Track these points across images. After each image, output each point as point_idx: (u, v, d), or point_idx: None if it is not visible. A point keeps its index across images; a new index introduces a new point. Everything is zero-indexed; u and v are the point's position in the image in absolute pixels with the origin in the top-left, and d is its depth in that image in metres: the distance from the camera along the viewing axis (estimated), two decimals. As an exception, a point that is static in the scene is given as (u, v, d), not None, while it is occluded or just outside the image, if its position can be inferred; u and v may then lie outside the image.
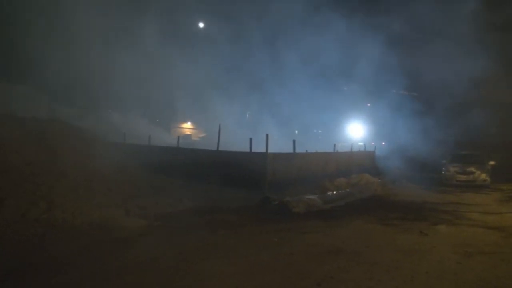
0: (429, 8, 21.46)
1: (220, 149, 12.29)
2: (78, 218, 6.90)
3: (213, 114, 22.40)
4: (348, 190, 12.04)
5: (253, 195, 9.93)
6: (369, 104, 31.94)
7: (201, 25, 27.09)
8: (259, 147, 11.52)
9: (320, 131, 34.40)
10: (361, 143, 23.21)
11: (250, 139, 11.15)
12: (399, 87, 26.66)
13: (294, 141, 12.80)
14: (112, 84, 18.24)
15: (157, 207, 8.51)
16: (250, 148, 11.25)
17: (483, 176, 14.59)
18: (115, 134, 15.52)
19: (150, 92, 22.87)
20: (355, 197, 11.30)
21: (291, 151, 12.81)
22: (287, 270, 4.92)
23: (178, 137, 15.49)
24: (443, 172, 15.92)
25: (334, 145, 17.35)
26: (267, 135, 10.88)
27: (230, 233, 6.92)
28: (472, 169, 14.90)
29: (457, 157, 16.49)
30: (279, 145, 15.05)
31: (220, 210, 8.85)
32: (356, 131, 30.29)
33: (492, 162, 15.18)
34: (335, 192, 11.60)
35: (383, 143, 26.03)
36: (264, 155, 10.80)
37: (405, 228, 7.50)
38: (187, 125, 36.50)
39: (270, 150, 11.16)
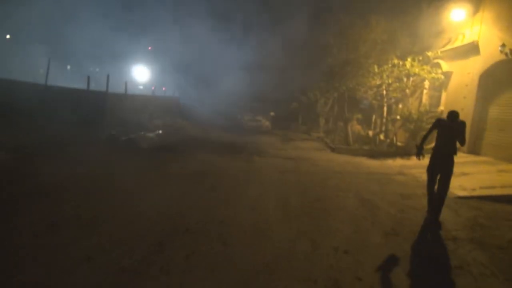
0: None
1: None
2: None
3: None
4: (162, 130, 13.44)
5: (93, 132, 10.23)
6: (150, 48, 32.76)
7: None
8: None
9: (97, 70, 32.09)
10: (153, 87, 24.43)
11: (88, 77, 10.88)
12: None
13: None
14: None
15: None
16: (88, 86, 11.00)
17: (267, 123, 19.36)
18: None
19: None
20: (176, 137, 12.94)
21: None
22: (182, 183, 6.43)
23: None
24: (240, 120, 19.86)
25: (126, 84, 15.92)
26: (108, 76, 10.95)
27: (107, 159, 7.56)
28: (259, 117, 19.43)
29: (249, 108, 20.81)
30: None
31: (73, 144, 8.96)
32: (141, 74, 30.39)
33: (272, 113, 20.18)
34: (160, 131, 12.99)
35: (164, 88, 27.14)
36: (104, 94, 10.90)
37: (235, 158, 10.02)
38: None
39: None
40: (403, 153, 12.08)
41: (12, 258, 3.18)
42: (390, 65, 13.35)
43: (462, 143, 5.12)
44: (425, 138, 5.47)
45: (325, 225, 4.67)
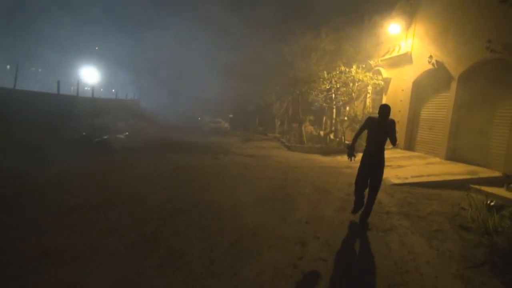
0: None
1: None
2: None
3: None
4: (128, 133, 13.94)
5: (64, 133, 10.61)
6: (97, 48, 32.15)
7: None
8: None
9: (40, 70, 31.11)
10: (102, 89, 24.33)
11: (58, 82, 11.16)
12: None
13: (58, 82, 11.99)
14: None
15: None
16: (58, 90, 11.28)
17: (226, 125, 20.32)
18: None
19: None
20: (142, 139, 13.54)
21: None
22: (163, 178, 7.20)
23: None
24: (200, 122, 20.63)
25: (78, 85, 15.62)
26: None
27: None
28: (219, 119, 20.35)
29: (208, 111, 21.63)
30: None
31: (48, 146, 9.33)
32: (89, 76, 29.23)
33: (231, 115, 21.17)
34: (127, 133, 13.47)
35: (113, 91, 26.92)
36: (73, 98, 11.26)
37: (203, 157, 10.86)
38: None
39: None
40: (351, 150, 13.63)
41: (55, 230, 3.89)
42: (338, 72, 14.88)
43: (393, 142, 4.78)
44: (356, 137, 5.23)
45: (289, 206, 5.75)
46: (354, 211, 5.16)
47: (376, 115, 4.83)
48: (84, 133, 10.66)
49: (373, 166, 4.89)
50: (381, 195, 6.53)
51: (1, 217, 4.37)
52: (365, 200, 5.03)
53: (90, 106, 13.44)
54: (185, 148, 12.43)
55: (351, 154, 5.17)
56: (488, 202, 5.62)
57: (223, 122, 20.41)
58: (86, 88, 30.16)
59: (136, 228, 4.27)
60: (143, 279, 3.06)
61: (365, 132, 5.10)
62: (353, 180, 8.35)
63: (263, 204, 5.74)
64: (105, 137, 10.58)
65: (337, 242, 4.26)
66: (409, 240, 4.46)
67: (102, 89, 25.37)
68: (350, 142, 5.26)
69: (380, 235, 4.61)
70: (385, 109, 4.74)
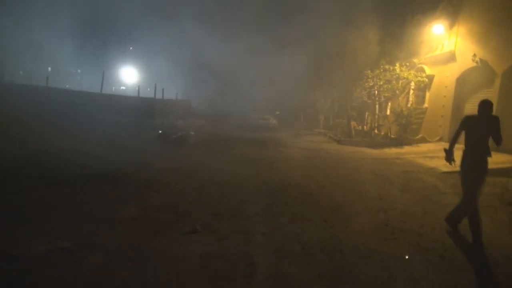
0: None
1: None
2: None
3: None
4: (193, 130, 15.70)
5: (142, 131, 12.50)
6: (131, 48, 33.61)
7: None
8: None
9: (79, 71, 32.11)
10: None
11: (138, 86, 13.13)
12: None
13: (138, 87, 14.36)
14: None
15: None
16: (138, 93, 13.21)
17: (274, 121, 21.83)
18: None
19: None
20: (207, 135, 15.24)
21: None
22: (246, 165, 8.75)
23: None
24: (249, 119, 22.24)
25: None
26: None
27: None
28: (267, 116, 21.87)
29: (257, 108, 23.21)
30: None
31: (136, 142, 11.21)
32: (129, 76, 31.57)
33: (278, 112, 22.64)
34: (192, 132, 15.20)
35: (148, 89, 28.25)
36: (152, 100, 13.15)
37: (267, 150, 12.42)
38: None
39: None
40: (396, 143, 14.70)
41: (206, 200, 5.48)
42: (382, 70, 15.92)
43: (498, 141, 4.29)
44: (454, 141, 4.68)
45: (361, 188, 7.11)
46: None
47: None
48: (160, 131, 12.41)
49: (476, 171, 4.37)
50: (434, 181, 7.78)
51: (154, 194, 6.00)
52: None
53: (156, 107, 15.22)
54: (247, 143, 13.99)
55: (449, 158, 4.69)
56: None
57: (271, 119, 21.90)
58: (122, 88, 31.43)
59: (260, 199, 5.81)
60: (283, 228, 4.55)
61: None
62: (406, 169, 9.62)
63: (339, 187, 7.13)
64: (180, 134, 12.26)
65: (410, 211, 5.59)
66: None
67: (148, 89, 26.93)
68: (447, 147, 4.71)
69: (443, 208, 5.88)
70: (486, 104, 4.33)
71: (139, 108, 13.14)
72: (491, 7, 12.12)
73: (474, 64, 12.61)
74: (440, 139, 14.30)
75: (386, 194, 6.65)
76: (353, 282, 3.20)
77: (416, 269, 3.50)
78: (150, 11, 25.12)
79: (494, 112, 4.49)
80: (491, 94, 11.80)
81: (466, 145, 4.48)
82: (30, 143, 8.80)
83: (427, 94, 15.85)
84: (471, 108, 13.27)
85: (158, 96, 14.84)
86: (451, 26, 14.25)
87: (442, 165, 9.92)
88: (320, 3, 18.75)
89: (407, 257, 3.78)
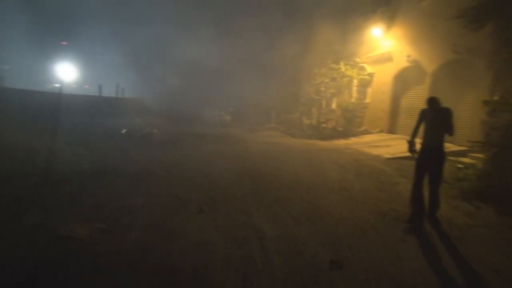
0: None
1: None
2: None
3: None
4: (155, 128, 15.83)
5: (107, 131, 12.49)
6: (65, 43, 32.21)
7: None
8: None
9: (7, 67, 29.39)
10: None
11: (100, 85, 12.99)
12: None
13: (100, 86, 14.13)
14: None
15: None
16: (100, 92, 13.10)
17: (228, 118, 22.47)
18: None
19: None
20: (168, 132, 15.40)
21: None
22: (214, 160, 9.33)
23: None
24: (203, 115, 22.62)
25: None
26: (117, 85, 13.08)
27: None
28: (222, 113, 22.45)
29: (212, 105, 23.64)
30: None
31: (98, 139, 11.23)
32: (66, 73, 30.24)
33: (231, 109, 23.28)
34: (155, 130, 15.29)
35: (87, 86, 27.26)
36: (115, 99, 13.10)
37: (228, 145, 13.01)
38: None
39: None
40: (344, 135, 16.15)
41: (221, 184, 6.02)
42: (328, 68, 17.32)
43: (451, 131, 4.69)
44: (415, 132, 5.09)
45: (323, 173, 8.10)
46: (414, 219, 4.75)
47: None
48: (124, 130, 12.51)
49: (434, 160, 4.75)
50: (381, 166, 9.01)
51: (151, 185, 6.43)
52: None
53: (110, 106, 15.15)
54: (208, 138, 14.50)
55: (411, 149, 5.03)
56: (458, 165, 8.19)
57: (225, 115, 22.51)
58: (56, 85, 29.96)
59: (243, 186, 6.56)
60: (272, 206, 5.31)
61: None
62: (356, 157, 10.86)
63: (305, 173, 8.06)
64: (145, 132, 12.45)
65: (366, 189, 6.64)
66: (408, 188, 6.91)
67: (87, 86, 25.93)
68: (409, 138, 5.09)
69: (392, 186, 7.03)
70: (434, 100, 4.82)
71: (100, 107, 13.06)
72: (422, 14, 13.85)
73: (409, 64, 14.31)
74: (381, 131, 15.97)
75: (344, 178, 7.70)
76: (337, 238, 4.13)
77: (379, 228, 4.52)
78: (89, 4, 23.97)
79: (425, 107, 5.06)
80: (423, 90, 13.54)
81: (424, 136, 4.87)
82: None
83: (369, 90, 17.52)
84: (406, 102, 15.06)
85: (105, 94, 14.69)
86: (389, 29, 15.93)
87: (384, 152, 11.36)
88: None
89: (372, 220, 4.76)
